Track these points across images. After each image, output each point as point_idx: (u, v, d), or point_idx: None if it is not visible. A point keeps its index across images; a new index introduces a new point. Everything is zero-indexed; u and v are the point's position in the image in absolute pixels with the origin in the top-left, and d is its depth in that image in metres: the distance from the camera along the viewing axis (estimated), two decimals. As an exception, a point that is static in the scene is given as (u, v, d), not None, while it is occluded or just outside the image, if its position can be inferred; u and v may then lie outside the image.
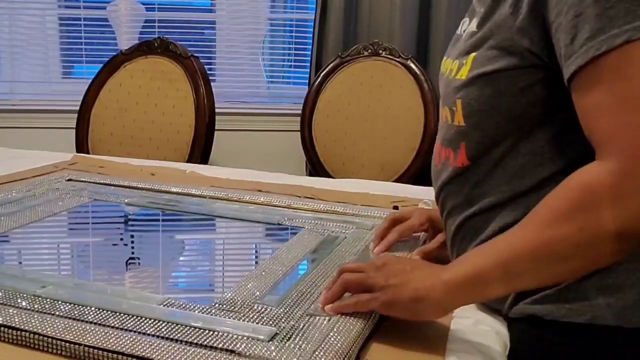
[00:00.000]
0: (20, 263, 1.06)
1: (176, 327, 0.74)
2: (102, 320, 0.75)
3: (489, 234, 0.82)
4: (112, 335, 0.71)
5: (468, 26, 0.86)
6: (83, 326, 0.73)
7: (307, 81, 2.60)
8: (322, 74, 2.42)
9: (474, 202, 0.84)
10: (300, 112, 2.43)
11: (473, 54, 0.82)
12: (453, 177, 0.87)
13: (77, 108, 2.39)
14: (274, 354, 0.69)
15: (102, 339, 0.70)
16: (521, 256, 0.71)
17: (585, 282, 0.74)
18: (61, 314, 0.76)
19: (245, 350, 0.69)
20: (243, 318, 0.78)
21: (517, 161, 0.80)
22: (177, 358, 0.68)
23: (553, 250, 0.69)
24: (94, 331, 0.72)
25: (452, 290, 0.73)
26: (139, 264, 1.10)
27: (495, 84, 0.79)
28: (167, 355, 0.68)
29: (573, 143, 0.75)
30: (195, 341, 0.71)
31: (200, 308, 0.80)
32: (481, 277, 0.72)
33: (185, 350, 0.69)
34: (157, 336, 0.72)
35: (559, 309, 0.76)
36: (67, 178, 1.47)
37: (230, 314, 0.79)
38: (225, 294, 0.85)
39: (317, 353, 0.69)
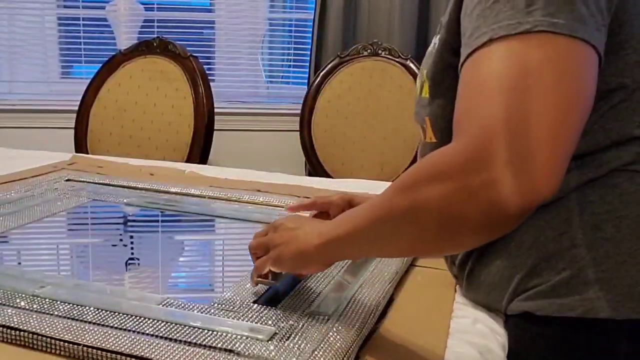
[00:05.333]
0: (19, 263, 1.06)
1: (175, 327, 0.74)
2: (101, 320, 0.75)
3: None
4: (111, 335, 0.71)
5: (433, 45, 0.87)
6: (82, 326, 0.73)
7: (306, 81, 2.60)
8: (321, 74, 2.42)
9: None
10: (299, 112, 2.43)
11: (425, 70, 0.85)
12: None
13: (76, 108, 2.39)
14: (273, 353, 0.69)
15: (101, 339, 0.70)
16: (371, 223, 0.72)
17: (575, 277, 0.75)
18: (60, 314, 0.76)
19: (245, 350, 0.69)
20: (242, 318, 0.78)
21: None
22: (177, 358, 0.68)
23: (394, 219, 0.69)
24: (93, 331, 0.72)
25: (326, 246, 0.77)
26: (138, 264, 1.10)
27: (449, 96, 0.78)
28: (166, 355, 0.68)
29: None
30: (194, 341, 0.71)
31: (200, 308, 0.80)
32: (344, 238, 0.75)
33: (185, 350, 0.69)
34: (156, 336, 0.72)
35: (551, 305, 0.76)
36: (66, 178, 1.46)
37: (230, 314, 0.79)
38: (225, 293, 0.85)
39: (316, 353, 0.69)
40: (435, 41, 0.86)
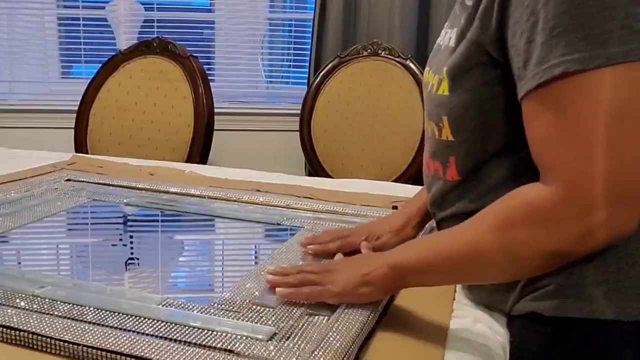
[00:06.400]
0: (19, 263, 1.06)
1: (175, 327, 0.74)
2: (101, 320, 0.75)
3: None
4: (111, 335, 0.71)
5: (449, 39, 0.85)
6: (82, 326, 0.73)
7: (306, 81, 2.60)
8: (321, 74, 2.42)
9: (471, 214, 0.83)
10: (299, 112, 2.42)
11: (446, 69, 0.82)
12: (444, 191, 0.87)
13: (76, 108, 2.39)
14: (272, 353, 0.69)
15: (101, 339, 0.70)
16: (461, 256, 0.75)
17: (584, 278, 0.75)
18: (60, 314, 0.76)
19: (244, 350, 0.69)
20: (242, 318, 0.78)
21: (512, 171, 0.79)
22: (176, 358, 0.68)
23: (491, 256, 0.73)
24: (92, 331, 0.72)
25: (396, 273, 0.78)
26: (137, 264, 1.10)
27: (478, 99, 0.79)
28: (166, 355, 0.68)
29: None
30: (194, 341, 0.71)
31: (199, 308, 0.80)
32: (423, 267, 0.78)
33: (184, 350, 0.69)
34: (156, 336, 0.72)
35: (558, 305, 0.76)
36: (66, 178, 1.46)
37: (229, 314, 0.79)
38: (224, 293, 0.85)
39: (316, 353, 0.69)
40: (451, 35, 0.84)
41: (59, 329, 0.72)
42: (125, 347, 0.69)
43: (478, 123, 0.80)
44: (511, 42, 0.72)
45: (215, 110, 2.36)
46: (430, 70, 0.89)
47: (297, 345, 0.71)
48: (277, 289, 0.83)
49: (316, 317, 0.78)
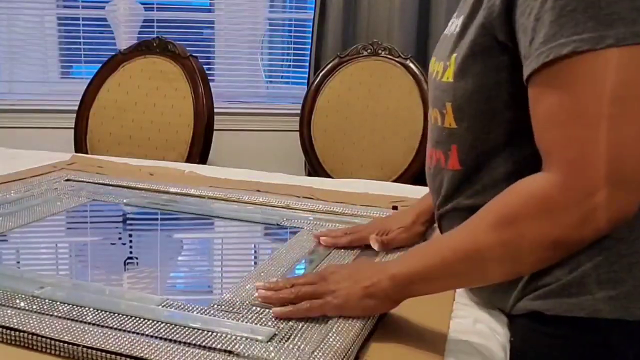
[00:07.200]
0: (19, 263, 1.06)
1: (175, 328, 0.74)
2: (101, 321, 0.75)
3: None
4: (111, 336, 0.71)
5: (455, 27, 0.85)
6: (81, 327, 0.73)
7: (306, 81, 2.60)
8: (321, 74, 2.42)
9: (471, 209, 0.83)
10: (299, 112, 2.42)
11: (454, 55, 0.81)
12: (445, 182, 0.87)
13: (76, 108, 2.39)
14: (272, 354, 0.69)
15: (100, 339, 0.70)
16: (463, 258, 0.74)
17: (586, 277, 0.75)
18: (59, 314, 0.76)
19: (244, 351, 0.69)
20: (242, 319, 0.78)
21: (514, 167, 0.79)
22: (176, 359, 0.67)
23: (494, 253, 0.72)
24: (92, 332, 0.72)
25: (399, 284, 0.77)
26: (137, 264, 1.10)
27: (483, 84, 0.79)
28: (165, 356, 0.68)
29: None
30: (193, 342, 0.71)
31: (199, 309, 0.80)
32: (425, 274, 0.77)
33: (184, 351, 0.69)
34: (156, 337, 0.72)
35: (561, 304, 0.76)
36: (66, 178, 1.46)
37: (229, 315, 0.79)
38: (224, 294, 0.85)
39: (315, 354, 0.69)
40: (457, 23, 0.84)
41: (59, 330, 0.72)
42: (125, 347, 0.69)
43: (482, 110, 0.80)
44: (519, 21, 0.72)
45: (215, 110, 2.36)
46: (435, 59, 0.89)
47: (296, 346, 0.71)
48: (273, 309, 0.79)
49: (316, 317, 0.78)
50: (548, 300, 0.77)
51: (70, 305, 0.78)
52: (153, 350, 0.69)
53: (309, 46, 2.59)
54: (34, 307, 0.78)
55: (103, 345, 0.69)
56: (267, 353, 0.69)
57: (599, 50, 0.65)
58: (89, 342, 0.70)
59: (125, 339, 0.71)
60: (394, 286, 0.77)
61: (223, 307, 0.81)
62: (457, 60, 0.81)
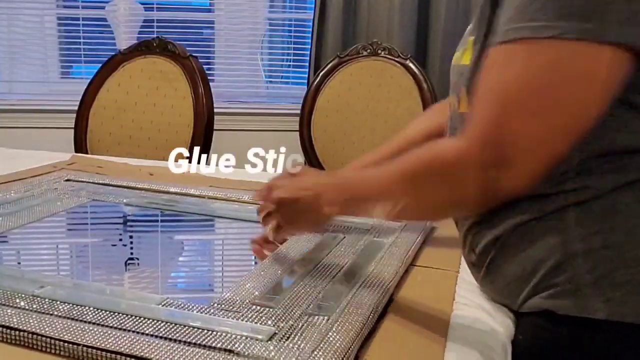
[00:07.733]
0: (19, 263, 1.06)
1: (175, 327, 0.74)
2: (101, 320, 0.75)
3: (504, 228, 0.81)
4: (111, 335, 0.71)
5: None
6: (82, 326, 0.73)
7: (306, 81, 2.60)
8: (321, 74, 2.42)
9: None
10: (299, 112, 2.43)
11: (471, 38, 0.84)
12: None
13: (76, 108, 2.39)
14: (272, 353, 0.69)
15: (100, 339, 0.70)
16: (378, 194, 0.81)
17: (601, 278, 0.74)
18: (60, 314, 0.76)
19: (244, 350, 0.69)
20: (242, 318, 0.78)
21: None
22: (176, 358, 0.67)
23: (401, 201, 0.78)
24: (92, 331, 0.72)
25: (339, 187, 0.86)
26: (137, 264, 1.10)
27: None
28: (165, 355, 0.68)
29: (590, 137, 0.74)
30: (194, 341, 0.71)
31: (199, 308, 0.80)
32: (359, 191, 0.84)
33: (184, 350, 0.69)
34: (156, 336, 0.72)
35: (575, 304, 0.75)
36: (66, 178, 1.46)
37: (229, 314, 0.79)
38: (224, 293, 0.85)
39: (316, 353, 0.69)
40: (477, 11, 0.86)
41: (59, 329, 0.72)
42: (125, 347, 0.69)
43: None
44: (504, 6, 0.74)
45: (215, 110, 2.36)
46: (457, 51, 0.91)
47: (296, 345, 0.71)
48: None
49: (316, 317, 0.78)
50: (562, 299, 0.76)
51: (71, 305, 0.78)
52: (153, 350, 0.69)
53: (309, 46, 2.60)
54: (34, 306, 0.78)
55: (103, 345, 0.69)
56: (267, 352, 0.69)
57: (539, 40, 0.67)
58: (89, 342, 0.70)
59: (125, 338, 0.71)
60: (336, 189, 0.86)
61: (223, 306, 0.81)
62: (473, 42, 0.82)
